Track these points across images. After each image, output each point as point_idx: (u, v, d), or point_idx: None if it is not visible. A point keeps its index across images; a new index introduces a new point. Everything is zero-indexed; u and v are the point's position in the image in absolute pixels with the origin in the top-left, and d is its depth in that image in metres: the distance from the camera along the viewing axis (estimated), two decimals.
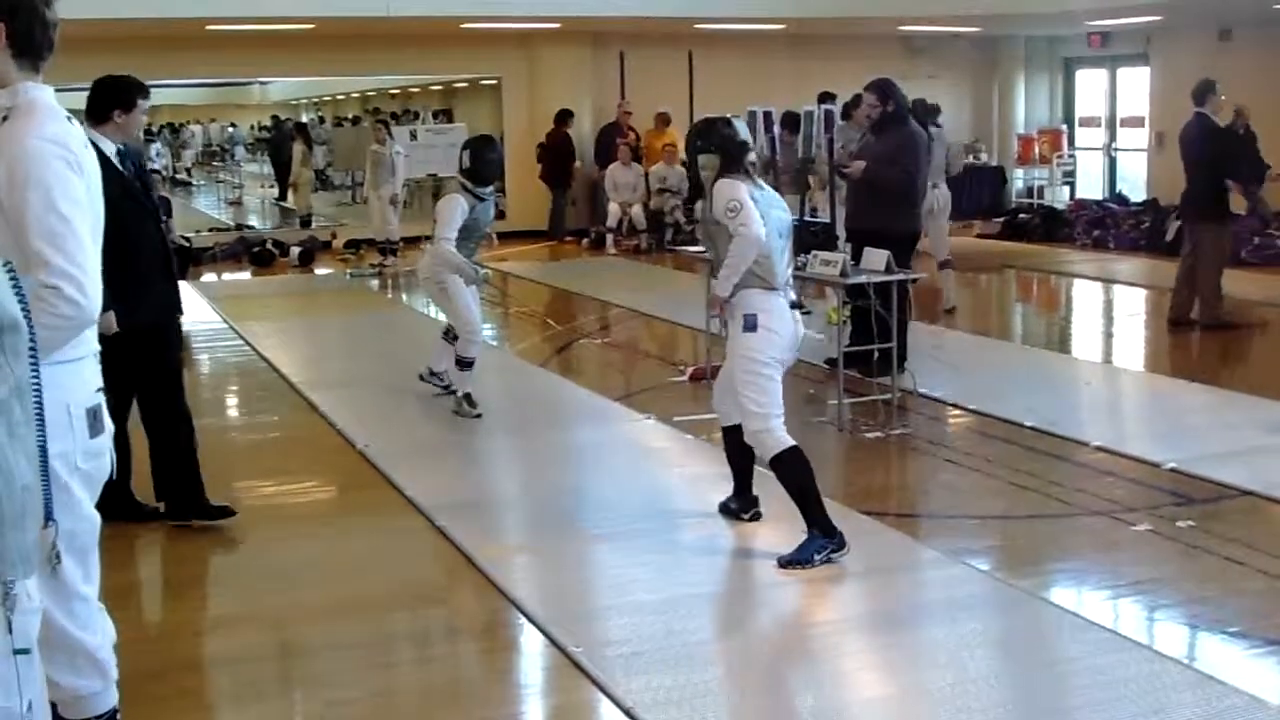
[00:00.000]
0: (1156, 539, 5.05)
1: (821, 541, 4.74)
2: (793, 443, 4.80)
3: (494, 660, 4.25)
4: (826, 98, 9.81)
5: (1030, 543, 5.15)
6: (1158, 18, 14.84)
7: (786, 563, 4.71)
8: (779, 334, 4.81)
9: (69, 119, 2.84)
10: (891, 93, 7.65)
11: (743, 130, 4.98)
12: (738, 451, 5.13)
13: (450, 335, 7.43)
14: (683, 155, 15.18)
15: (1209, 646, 4.18)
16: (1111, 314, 11.46)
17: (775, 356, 4.83)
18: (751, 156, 4.96)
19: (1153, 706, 3.59)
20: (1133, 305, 11.64)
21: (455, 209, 6.85)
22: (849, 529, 5.24)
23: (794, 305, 4.92)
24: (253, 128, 28.62)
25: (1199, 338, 9.28)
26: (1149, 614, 4.45)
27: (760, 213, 4.77)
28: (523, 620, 4.33)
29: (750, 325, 4.81)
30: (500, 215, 16.77)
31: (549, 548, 5.12)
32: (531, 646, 4.20)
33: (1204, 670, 3.85)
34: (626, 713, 3.65)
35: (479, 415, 7.01)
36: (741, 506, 5.26)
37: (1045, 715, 3.67)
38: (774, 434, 4.80)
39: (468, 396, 7.10)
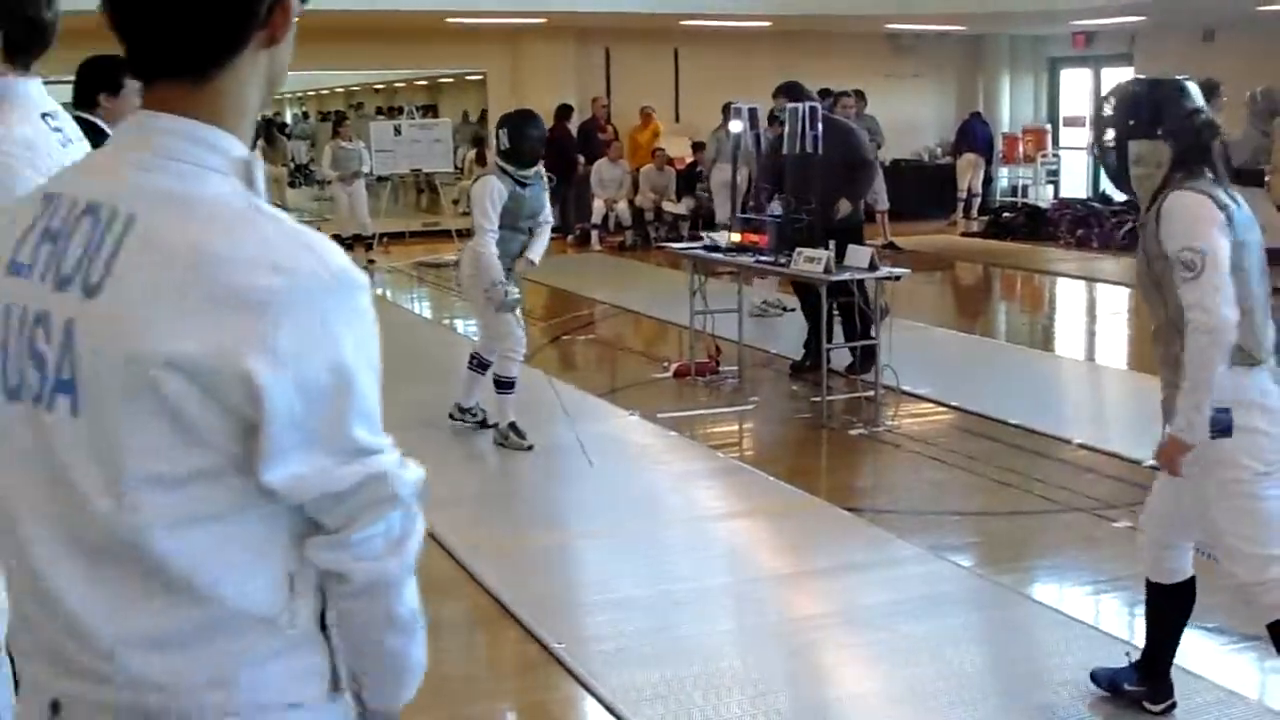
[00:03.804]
0: (1136, 535, 5.07)
1: None
2: None
3: (476, 657, 4.25)
4: (825, 94, 9.86)
5: (1011, 539, 5.17)
6: (1142, 18, 14.91)
7: None
8: (1272, 433, 3.15)
9: (46, 116, 2.69)
10: (803, 94, 7.80)
11: (1199, 100, 3.28)
12: (1166, 614, 3.61)
13: (475, 362, 6.64)
14: (671, 155, 15.40)
15: (1187, 641, 4.18)
16: (1095, 312, 11.51)
17: (1267, 470, 3.16)
18: (1219, 142, 3.23)
19: (1133, 701, 3.61)
20: (1116, 304, 11.68)
21: (488, 192, 5.96)
22: (831, 525, 5.28)
23: None
24: None
25: None
26: (1129, 609, 4.46)
27: (1243, 240, 3.12)
28: (505, 617, 4.32)
29: (1223, 427, 3.12)
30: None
31: (532, 544, 5.12)
32: (514, 643, 4.20)
33: (1182, 665, 3.86)
34: (609, 709, 3.66)
35: (530, 446, 6.28)
36: (1151, 694, 3.61)
37: (1026, 710, 3.69)
38: None
39: (513, 425, 6.33)
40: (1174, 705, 3.55)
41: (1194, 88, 3.27)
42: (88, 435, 1.28)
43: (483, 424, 6.64)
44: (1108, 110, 3.31)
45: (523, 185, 6.06)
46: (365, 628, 1.43)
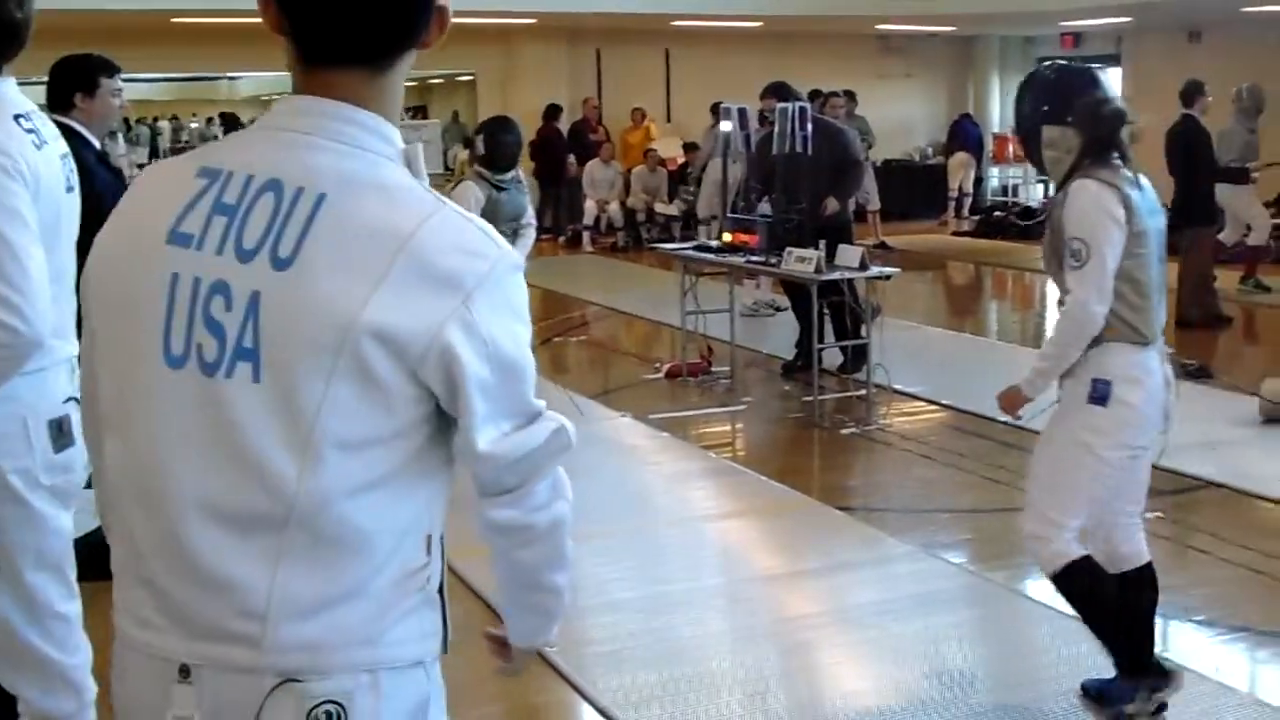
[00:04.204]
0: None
1: (1129, 687, 3.45)
2: (1082, 552, 3.41)
3: (468, 662, 4.23)
4: (815, 95, 9.88)
5: (1003, 536, 5.17)
6: (1129, 19, 14.96)
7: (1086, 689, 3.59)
8: (1143, 411, 3.30)
9: (19, 117, 2.61)
10: (790, 94, 7.81)
11: (1110, 90, 3.38)
12: (1129, 607, 3.52)
13: None
14: (663, 156, 15.40)
15: (1177, 635, 4.22)
16: None
17: (1127, 444, 3.33)
18: (1128, 131, 3.29)
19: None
20: None
21: (467, 198, 5.98)
22: (823, 524, 5.29)
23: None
24: (210, 121, 28.04)
25: (1173, 334, 9.32)
26: None
27: (1144, 228, 3.24)
28: (497, 621, 4.31)
29: (1100, 395, 3.26)
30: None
31: None
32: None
33: (1173, 658, 3.89)
34: (602, 712, 3.66)
35: None
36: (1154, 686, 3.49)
37: (1018, 706, 3.71)
38: (1053, 544, 3.41)
39: None
40: (1165, 706, 3.54)
41: (1105, 77, 3.38)
42: (271, 401, 1.33)
43: None
44: (1026, 96, 3.43)
45: (500, 189, 6.15)
46: (538, 571, 1.56)
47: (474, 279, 1.35)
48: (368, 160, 1.38)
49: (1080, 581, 3.42)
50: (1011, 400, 3.44)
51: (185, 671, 1.39)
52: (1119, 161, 3.26)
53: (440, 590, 1.50)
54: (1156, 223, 3.30)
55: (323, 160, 1.36)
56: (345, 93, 1.39)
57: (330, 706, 1.38)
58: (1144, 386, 3.28)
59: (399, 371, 1.34)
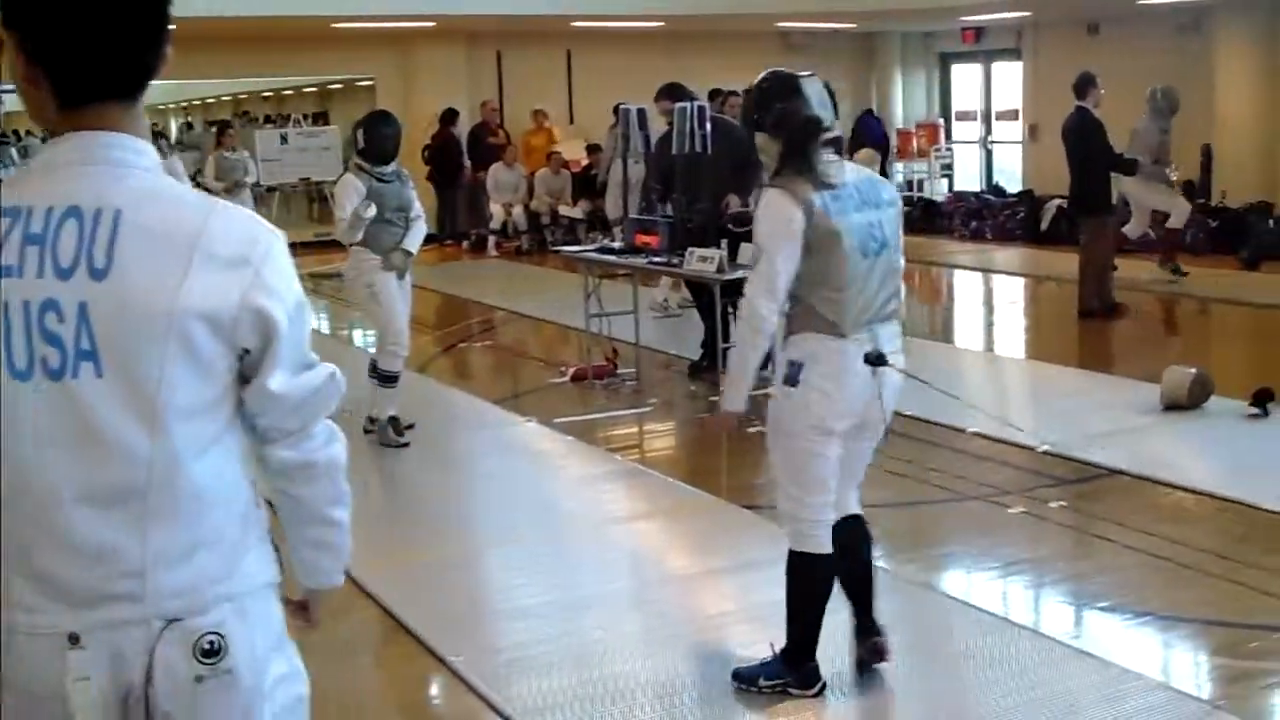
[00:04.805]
0: (1031, 520, 5.13)
1: (780, 669, 3.71)
2: (826, 551, 3.61)
3: (370, 673, 4.13)
4: (716, 94, 9.86)
5: (910, 529, 5.19)
6: (1028, 13, 15.21)
7: (736, 674, 3.79)
8: (831, 395, 3.42)
9: None
10: (685, 94, 7.80)
11: (815, 97, 3.46)
12: (842, 566, 3.73)
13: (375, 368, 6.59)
14: (566, 158, 15.29)
15: (1084, 622, 4.25)
16: (990, 303, 11.68)
17: (815, 425, 3.46)
18: (829, 136, 3.41)
19: (1032, 682, 3.64)
20: (1011, 294, 11.88)
21: (345, 189, 6.23)
22: (732, 524, 5.24)
23: (874, 359, 3.41)
24: None
25: (1076, 324, 9.49)
26: (1027, 594, 4.52)
27: (833, 228, 3.32)
28: (402, 633, 4.20)
29: (791, 378, 3.45)
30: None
31: (427, 555, 5.00)
32: (412, 659, 4.08)
33: (1080, 646, 3.91)
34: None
35: (405, 444, 6.41)
36: (867, 651, 3.77)
37: (930, 697, 3.70)
38: (800, 521, 3.61)
39: (394, 421, 6.44)
40: (825, 686, 3.65)
41: (809, 86, 3.47)
42: (116, 388, 1.58)
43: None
44: (751, 104, 3.57)
45: (382, 180, 6.26)
46: (320, 507, 1.84)
47: (259, 256, 1.64)
48: (140, 176, 1.64)
49: (804, 573, 3.63)
50: (721, 424, 3.58)
51: (75, 639, 1.61)
52: (812, 170, 3.35)
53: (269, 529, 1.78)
54: (866, 218, 3.38)
55: (107, 184, 1.61)
56: (107, 124, 1.64)
57: (212, 636, 1.66)
58: (835, 376, 3.40)
59: (218, 344, 1.62)
